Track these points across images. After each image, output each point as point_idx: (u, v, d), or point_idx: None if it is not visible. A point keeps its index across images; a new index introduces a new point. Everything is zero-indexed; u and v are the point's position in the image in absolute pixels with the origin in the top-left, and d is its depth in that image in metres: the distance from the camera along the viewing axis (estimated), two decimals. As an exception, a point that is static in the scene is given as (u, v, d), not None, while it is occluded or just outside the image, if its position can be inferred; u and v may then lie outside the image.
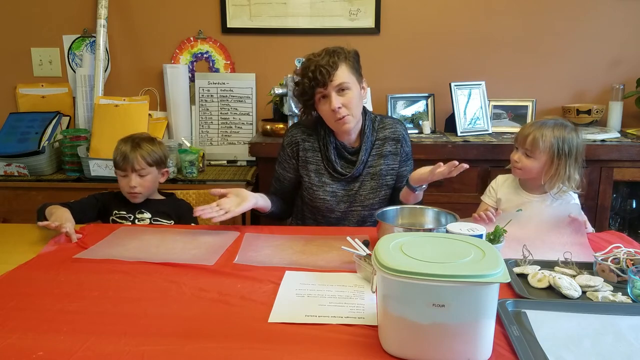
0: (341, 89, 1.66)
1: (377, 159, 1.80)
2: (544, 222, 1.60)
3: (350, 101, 1.67)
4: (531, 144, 1.70)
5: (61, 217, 1.61)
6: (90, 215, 1.85)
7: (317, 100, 1.69)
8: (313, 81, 1.63)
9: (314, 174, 1.80)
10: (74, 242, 1.54)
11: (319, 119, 1.81)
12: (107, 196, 1.94)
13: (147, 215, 1.88)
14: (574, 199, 1.76)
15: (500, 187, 1.86)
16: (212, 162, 2.76)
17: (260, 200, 1.74)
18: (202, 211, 1.58)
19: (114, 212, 1.88)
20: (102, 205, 1.89)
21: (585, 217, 1.63)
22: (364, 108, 1.80)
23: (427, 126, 2.62)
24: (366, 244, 1.39)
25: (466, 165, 1.51)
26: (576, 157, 1.71)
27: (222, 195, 1.66)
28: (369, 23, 2.72)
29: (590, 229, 1.66)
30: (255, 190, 2.48)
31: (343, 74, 1.66)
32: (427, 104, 2.70)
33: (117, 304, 1.16)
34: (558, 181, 1.70)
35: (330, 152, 1.77)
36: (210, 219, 1.57)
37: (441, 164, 1.54)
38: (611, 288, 1.22)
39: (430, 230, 1.50)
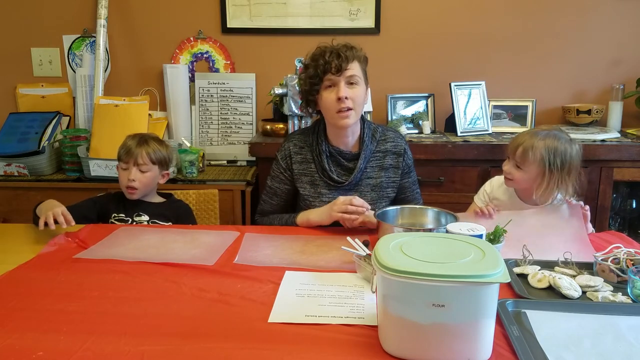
0: (351, 82, 1.65)
1: (377, 171, 1.78)
2: (544, 229, 1.56)
3: (357, 96, 1.65)
4: (521, 155, 1.62)
5: (48, 207, 1.59)
6: (89, 218, 1.82)
7: (322, 87, 1.66)
8: (327, 64, 1.62)
9: (309, 186, 1.78)
10: (74, 243, 1.54)
11: (313, 128, 1.80)
12: (105, 199, 1.93)
13: (145, 217, 1.87)
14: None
15: (495, 191, 1.80)
16: (212, 162, 2.76)
17: None
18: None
19: (113, 215, 1.87)
20: (101, 208, 1.88)
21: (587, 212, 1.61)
22: (362, 116, 1.78)
23: (427, 126, 2.62)
24: (366, 244, 1.39)
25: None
26: (569, 171, 1.61)
27: None
28: (369, 23, 2.72)
29: (590, 229, 1.65)
30: (255, 190, 2.49)
31: (356, 68, 1.66)
32: (427, 104, 2.70)
33: (117, 304, 1.16)
34: (550, 195, 1.62)
35: (324, 161, 1.74)
36: None
37: None
38: (611, 288, 1.22)
39: (430, 230, 1.50)
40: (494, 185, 1.82)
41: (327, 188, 1.77)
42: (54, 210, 1.56)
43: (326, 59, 1.62)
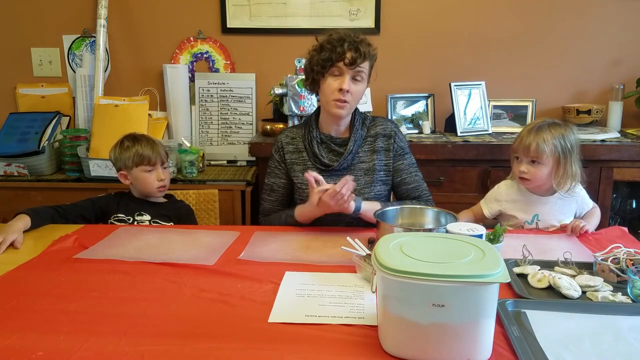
0: (356, 78, 1.68)
1: (369, 155, 1.80)
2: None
3: (357, 92, 1.69)
4: (536, 151, 1.68)
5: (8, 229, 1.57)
6: (87, 219, 1.81)
7: (330, 72, 1.68)
8: (344, 54, 1.63)
9: (301, 174, 1.79)
10: (70, 243, 1.53)
11: (306, 120, 1.82)
12: (104, 200, 1.91)
13: (147, 217, 1.86)
14: (581, 188, 1.78)
15: (508, 193, 1.81)
16: (212, 162, 2.76)
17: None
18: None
19: (113, 216, 1.85)
20: (100, 209, 1.86)
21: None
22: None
23: (427, 126, 2.62)
24: (372, 241, 1.39)
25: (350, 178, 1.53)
26: (578, 150, 1.72)
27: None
28: (369, 23, 2.72)
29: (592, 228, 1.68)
30: (255, 190, 2.49)
31: (366, 66, 1.69)
32: (427, 104, 2.70)
33: (117, 304, 1.16)
34: (568, 179, 1.70)
35: (315, 147, 1.77)
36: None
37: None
38: (611, 288, 1.22)
39: (430, 230, 1.50)
40: (503, 190, 1.82)
41: (319, 173, 1.77)
42: (6, 237, 1.52)
43: (344, 49, 1.63)
